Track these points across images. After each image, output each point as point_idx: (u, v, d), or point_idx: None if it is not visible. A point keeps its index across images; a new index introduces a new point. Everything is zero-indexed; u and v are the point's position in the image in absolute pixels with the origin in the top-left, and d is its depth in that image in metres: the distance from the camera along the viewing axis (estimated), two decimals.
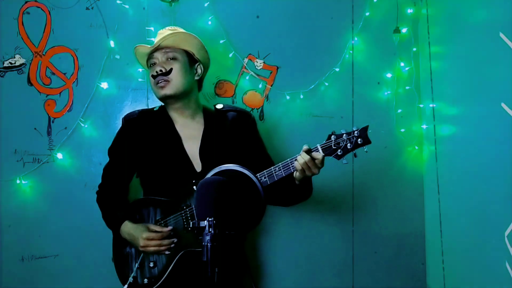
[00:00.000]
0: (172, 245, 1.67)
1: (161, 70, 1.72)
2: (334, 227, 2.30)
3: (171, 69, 1.73)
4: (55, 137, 2.13)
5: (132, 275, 1.68)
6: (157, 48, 1.76)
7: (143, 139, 1.77)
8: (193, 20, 2.18)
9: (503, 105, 1.74)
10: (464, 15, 2.04)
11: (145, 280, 1.68)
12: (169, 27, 1.83)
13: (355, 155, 1.57)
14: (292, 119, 2.29)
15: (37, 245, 2.10)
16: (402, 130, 2.34)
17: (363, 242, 2.32)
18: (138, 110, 1.85)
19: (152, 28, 2.17)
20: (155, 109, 1.85)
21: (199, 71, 1.83)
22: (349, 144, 1.56)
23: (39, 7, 2.14)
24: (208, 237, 1.08)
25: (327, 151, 1.56)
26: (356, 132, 1.57)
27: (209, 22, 2.21)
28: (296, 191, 1.69)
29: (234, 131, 1.82)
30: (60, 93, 2.15)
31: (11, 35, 2.11)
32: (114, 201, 1.82)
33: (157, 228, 1.68)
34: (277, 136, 2.28)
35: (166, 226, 1.69)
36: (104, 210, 1.82)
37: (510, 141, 1.70)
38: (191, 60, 1.80)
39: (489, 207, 1.84)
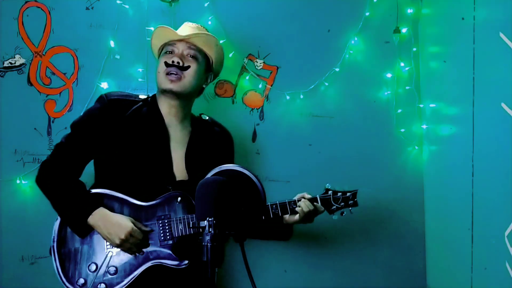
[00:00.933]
0: (142, 253, 1.59)
1: (178, 63, 1.65)
2: (334, 226, 2.30)
3: (189, 66, 1.67)
4: (55, 137, 2.13)
5: (93, 279, 1.54)
6: (183, 39, 1.69)
7: (125, 125, 1.64)
8: (193, 20, 2.15)
9: (503, 105, 1.74)
10: (464, 15, 2.04)
11: (101, 285, 1.54)
12: (198, 25, 1.81)
13: (342, 214, 1.75)
14: (292, 119, 2.29)
15: (37, 245, 2.10)
16: (402, 130, 2.34)
17: (363, 242, 2.32)
18: (121, 92, 1.75)
19: (152, 28, 2.17)
20: (140, 96, 1.76)
21: (209, 80, 1.81)
22: (342, 203, 1.74)
23: (39, 7, 2.14)
24: (208, 237, 1.07)
25: (324, 204, 1.73)
26: (348, 194, 1.75)
27: (209, 22, 2.21)
28: (280, 229, 1.76)
29: (218, 147, 1.80)
30: (60, 93, 2.15)
31: (11, 35, 2.11)
32: (72, 182, 1.62)
33: (141, 226, 1.59)
34: (277, 136, 2.28)
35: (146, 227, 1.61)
36: (57, 192, 1.60)
37: (510, 141, 1.70)
38: (207, 66, 1.77)
39: (489, 207, 1.84)
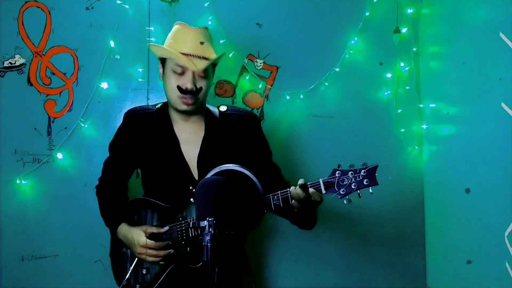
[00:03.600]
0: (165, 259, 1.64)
1: (192, 89, 1.61)
2: (334, 227, 2.30)
3: (201, 88, 1.64)
4: (55, 137, 2.13)
5: (125, 280, 1.67)
6: (190, 54, 1.61)
7: (142, 137, 1.73)
8: (193, 20, 2.17)
9: (503, 105, 1.74)
10: (464, 15, 2.04)
11: (137, 286, 1.67)
12: (201, 30, 1.65)
13: (359, 195, 1.45)
14: (292, 119, 2.29)
15: (37, 245, 2.10)
16: (402, 130, 2.34)
17: (363, 242, 2.32)
18: (139, 107, 1.80)
19: (152, 28, 2.17)
20: (157, 106, 1.79)
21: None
22: (353, 184, 1.43)
23: (39, 7, 2.14)
24: (208, 237, 1.07)
25: (330, 188, 1.44)
26: (363, 171, 1.43)
27: (209, 22, 2.21)
28: (296, 218, 1.59)
29: (237, 138, 1.74)
30: (60, 93, 2.15)
31: (11, 35, 2.12)
32: (112, 199, 1.80)
33: (154, 230, 1.64)
34: (277, 136, 2.28)
35: (161, 228, 1.66)
36: (102, 206, 1.80)
37: (510, 141, 1.70)
38: (213, 72, 1.74)
39: (489, 207, 1.85)
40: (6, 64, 2.11)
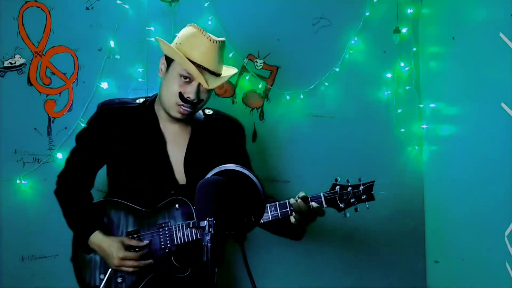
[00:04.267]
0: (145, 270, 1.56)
1: (194, 100, 1.55)
2: (334, 226, 2.30)
3: (202, 100, 1.58)
4: (55, 137, 2.13)
5: None
6: (202, 66, 1.55)
7: (119, 132, 1.63)
8: (193, 20, 2.15)
9: (503, 105, 1.74)
10: (464, 15, 2.04)
11: None
12: (218, 44, 1.59)
13: (356, 210, 1.52)
14: (292, 119, 2.29)
15: (37, 245, 2.10)
16: (402, 130, 2.34)
17: (363, 242, 2.32)
18: (118, 99, 1.71)
19: (152, 28, 2.17)
20: (137, 101, 1.70)
21: None
22: (352, 199, 1.50)
23: (39, 7, 2.14)
24: (208, 237, 1.07)
25: (330, 202, 1.50)
26: (361, 187, 1.51)
27: (209, 22, 2.21)
28: (288, 229, 1.56)
29: (222, 142, 1.71)
30: (60, 93, 2.15)
31: (11, 35, 2.11)
32: (78, 198, 1.67)
33: (133, 243, 1.56)
34: (277, 136, 2.28)
35: (141, 241, 1.58)
36: (66, 208, 1.67)
37: (510, 141, 1.70)
38: None
39: (489, 207, 1.85)
40: (6, 64, 2.11)
